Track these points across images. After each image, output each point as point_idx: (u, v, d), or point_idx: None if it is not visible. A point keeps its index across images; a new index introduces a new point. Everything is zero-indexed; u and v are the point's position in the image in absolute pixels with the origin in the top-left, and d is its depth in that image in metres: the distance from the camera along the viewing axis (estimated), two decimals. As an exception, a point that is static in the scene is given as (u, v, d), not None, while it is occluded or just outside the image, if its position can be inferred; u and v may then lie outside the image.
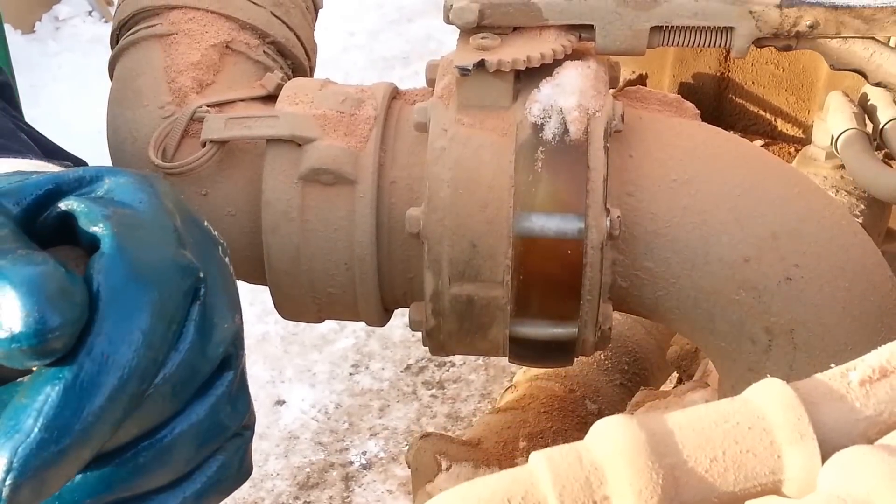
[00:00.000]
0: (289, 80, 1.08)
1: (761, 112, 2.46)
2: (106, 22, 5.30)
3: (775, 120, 2.46)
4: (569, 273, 0.89)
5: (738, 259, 0.92)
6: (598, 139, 0.89)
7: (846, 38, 0.90)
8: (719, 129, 0.98)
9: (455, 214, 0.91)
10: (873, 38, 0.91)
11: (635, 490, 0.51)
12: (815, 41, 0.92)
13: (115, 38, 1.14)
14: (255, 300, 3.26)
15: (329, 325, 3.35)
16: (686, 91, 2.17)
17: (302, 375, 3.24)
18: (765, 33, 0.90)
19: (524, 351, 0.96)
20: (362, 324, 3.70)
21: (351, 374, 3.26)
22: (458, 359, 3.26)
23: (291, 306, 1.04)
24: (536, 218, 0.89)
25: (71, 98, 4.38)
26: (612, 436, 0.53)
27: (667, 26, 0.91)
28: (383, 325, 1.06)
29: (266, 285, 1.06)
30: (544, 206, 0.89)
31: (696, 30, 0.92)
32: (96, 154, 3.64)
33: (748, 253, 0.91)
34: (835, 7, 0.88)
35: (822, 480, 0.52)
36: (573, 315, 0.91)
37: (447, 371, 3.24)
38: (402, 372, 3.26)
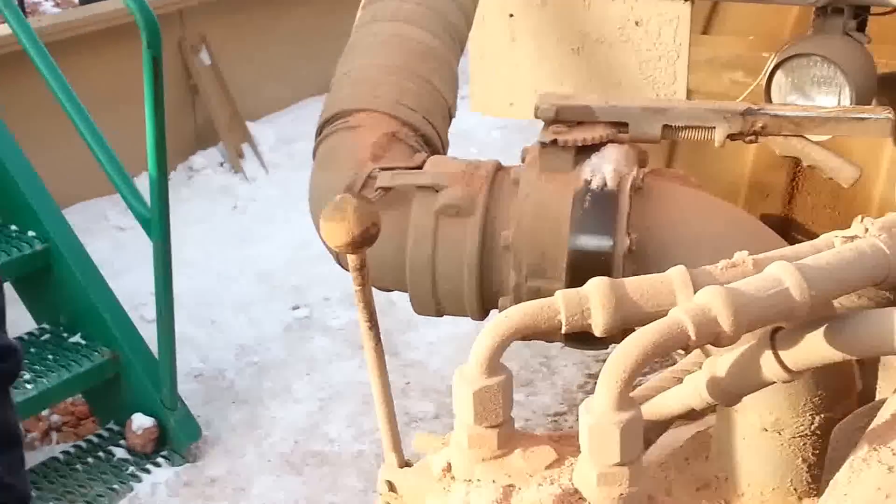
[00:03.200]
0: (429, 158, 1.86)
1: None
2: (235, 173, 6.36)
3: None
4: (602, 273, 1.59)
5: (717, 274, 1.60)
6: (625, 190, 1.62)
7: (786, 135, 1.61)
8: (709, 194, 1.69)
9: (533, 234, 1.64)
10: (803, 136, 1.61)
11: (601, 304, 1.20)
12: (767, 137, 1.63)
13: (320, 130, 1.95)
14: (352, 423, 3.94)
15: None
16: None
17: (399, 491, 3.86)
18: (734, 131, 1.63)
19: (574, 333, 1.64)
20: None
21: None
22: None
23: (421, 302, 1.76)
24: (584, 237, 1.61)
25: (196, 241, 5.34)
26: (592, 282, 1.23)
27: (673, 125, 1.65)
28: (482, 320, 1.77)
29: (404, 291, 1.80)
30: (588, 230, 1.61)
31: (691, 128, 1.65)
32: (211, 291, 4.62)
33: (723, 269, 1.60)
34: (777, 116, 1.60)
35: (694, 306, 1.20)
36: (606, 303, 1.60)
37: None
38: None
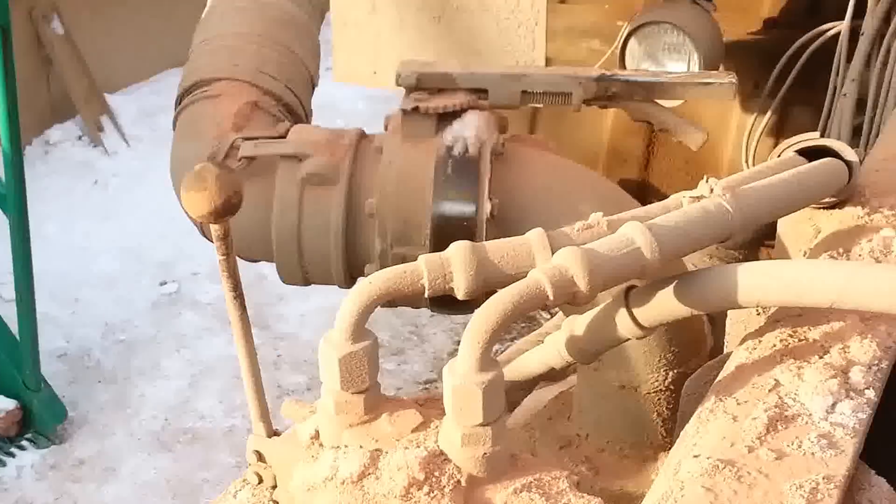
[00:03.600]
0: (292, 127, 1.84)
1: None
2: (95, 147, 6.15)
3: None
4: (465, 238, 1.61)
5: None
6: (486, 157, 1.64)
7: (638, 101, 1.66)
8: (568, 159, 1.73)
9: (397, 201, 1.64)
10: (654, 101, 1.66)
11: (463, 267, 1.22)
12: (620, 102, 1.68)
13: (179, 100, 1.91)
14: (223, 398, 3.89)
15: (297, 418, 3.96)
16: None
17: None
18: (589, 96, 1.67)
19: (438, 298, 1.66)
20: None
21: (318, 463, 3.85)
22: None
23: (289, 272, 1.75)
24: (446, 204, 1.62)
25: (57, 217, 5.15)
26: (454, 245, 1.24)
27: (531, 91, 1.68)
28: (349, 288, 1.77)
29: (271, 261, 1.78)
30: (451, 196, 1.62)
31: (548, 94, 1.68)
32: (74, 268, 4.50)
33: (580, 232, 1.64)
34: (628, 82, 1.65)
35: (552, 268, 1.23)
36: (470, 269, 1.62)
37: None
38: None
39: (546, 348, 1.39)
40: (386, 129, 1.76)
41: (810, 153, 1.54)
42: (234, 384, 3.89)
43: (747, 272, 1.18)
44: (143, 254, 4.80)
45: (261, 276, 4.40)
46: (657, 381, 1.58)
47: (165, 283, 4.60)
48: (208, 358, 4.08)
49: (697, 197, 1.29)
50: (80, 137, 6.11)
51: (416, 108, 1.66)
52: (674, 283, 1.24)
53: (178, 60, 7.15)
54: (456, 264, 1.22)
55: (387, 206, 1.65)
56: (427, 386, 3.75)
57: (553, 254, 1.23)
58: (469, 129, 1.66)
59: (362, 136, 1.76)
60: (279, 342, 4.13)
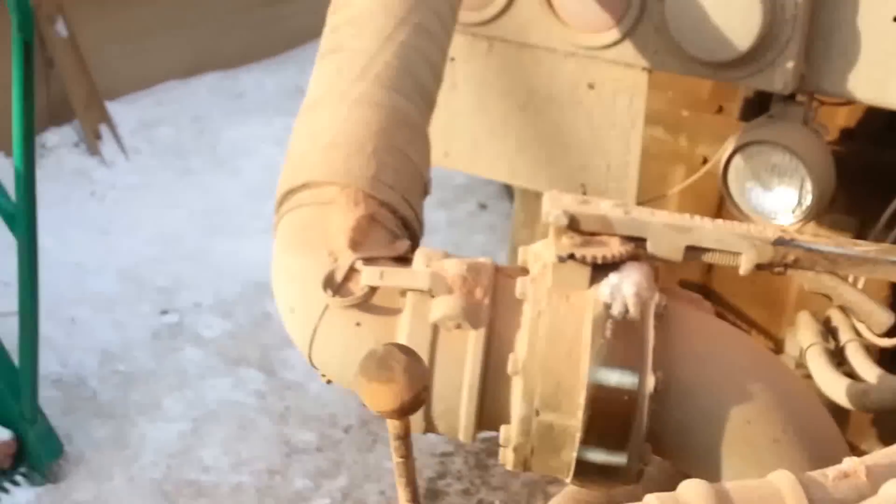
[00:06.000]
0: (410, 246, 1.54)
1: (737, 322, 2.94)
2: (92, 155, 5.73)
3: (750, 330, 2.94)
4: (624, 413, 1.34)
5: (742, 421, 1.37)
6: (649, 319, 1.37)
7: (818, 271, 1.40)
8: (726, 322, 1.47)
9: (547, 361, 1.36)
10: (836, 274, 1.41)
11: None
12: (797, 271, 1.42)
13: (281, 200, 1.60)
14: (228, 450, 3.52)
15: (305, 482, 3.47)
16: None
17: (278, 526, 3.40)
18: (763, 261, 1.40)
19: (585, 472, 1.38)
20: (338, 484, 4.01)
21: (326, 531, 3.45)
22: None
23: (411, 421, 1.45)
24: (605, 371, 1.35)
25: (51, 227, 4.72)
26: (691, 489, 0.97)
27: (696, 246, 1.41)
28: (473, 442, 1.48)
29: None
30: (611, 363, 1.35)
31: (716, 252, 1.41)
32: (69, 285, 4.04)
33: (749, 417, 1.37)
34: (810, 250, 1.39)
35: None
36: (625, 447, 1.34)
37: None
38: (377, 533, 3.49)
39: None
40: (523, 266, 1.47)
41: None
42: (238, 434, 3.56)
43: None
44: (142, 277, 4.42)
45: (266, 314, 4.08)
46: None
47: (167, 312, 4.22)
48: (211, 401, 3.73)
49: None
50: (76, 144, 5.68)
51: (571, 255, 1.37)
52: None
53: (182, 72, 6.74)
54: (697, 515, 0.94)
55: (535, 365, 1.36)
56: (443, 459, 3.44)
57: (808, 506, 0.96)
58: (629, 285, 1.38)
59: (497, 270, 1.48)
60: (286, 391, 3.79)
